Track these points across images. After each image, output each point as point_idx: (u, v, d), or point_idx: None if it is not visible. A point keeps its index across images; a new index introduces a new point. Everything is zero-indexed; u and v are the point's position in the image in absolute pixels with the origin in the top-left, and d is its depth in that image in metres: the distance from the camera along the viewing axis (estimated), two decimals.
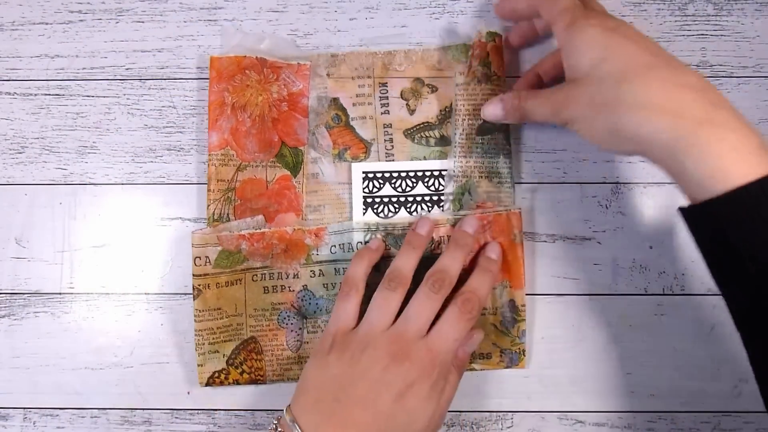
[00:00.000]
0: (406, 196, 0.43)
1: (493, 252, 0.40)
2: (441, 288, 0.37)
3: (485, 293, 0.38)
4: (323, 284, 0.42)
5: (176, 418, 0.42)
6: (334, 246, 0.42)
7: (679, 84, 0.31)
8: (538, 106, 0.37)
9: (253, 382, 0.42)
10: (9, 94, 0.45)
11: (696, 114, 0.30)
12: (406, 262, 0.38)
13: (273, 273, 0.41)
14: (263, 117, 0.42)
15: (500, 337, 0.41)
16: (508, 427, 0.42)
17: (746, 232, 0.29)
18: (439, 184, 0.43)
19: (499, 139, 0.42)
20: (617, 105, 0.32)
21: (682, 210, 0.32)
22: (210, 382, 0.41)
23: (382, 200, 0.43)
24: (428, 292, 0.37)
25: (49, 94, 0.45)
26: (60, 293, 0.43)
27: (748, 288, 0.29)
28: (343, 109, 0.43)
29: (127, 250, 0.44)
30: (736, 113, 0.30)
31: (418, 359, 0.35)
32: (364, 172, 0.43)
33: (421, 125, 0.43)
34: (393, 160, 0.43)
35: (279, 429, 0.34)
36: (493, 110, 0.40)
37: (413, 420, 0.34)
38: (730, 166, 0.29)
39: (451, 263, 0.38)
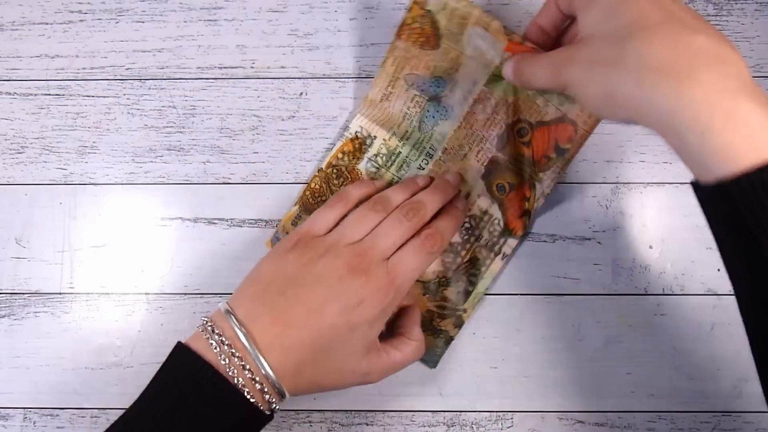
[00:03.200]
0: None
1: (460, 201, 0.41)
2: (414, 216, 0.36)
3: (449, 235, 0.38)
4: None
5: None
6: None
7: (689, 45, 0.27)
8: (538, 69, 0.33)
9: None
10: (9, 94, 0.45)
11: (702, 79, 0.26)
12: (398, 194, 0.38)
13: None
14: None
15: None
16: (508, 427, 0.42)
17: (764, 216, 0.25)
18: None
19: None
20: (615, 64, 0.28)
21: (693, 186, 0.28)
22: None
23: None
24: (401, 217, 0.36)
25: (49, 94, 0.45)
26: (60, 293, 0.43)
27: (759, 272, 0.27)
28: None
29: (127, 250, 0.44)
30: (750, 83, 0.26)
31: (375, 278, 0.34)
32: None
33: None
34: None
35: (209, 323, 0.33)
36: (504, 71, 0.37)
37: (354, 337, 0.34)
38: (741, 144, 0.25)
39: (428, 200, 0.38)
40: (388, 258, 0.35)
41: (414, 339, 0.38)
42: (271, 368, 0.32)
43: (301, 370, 0.33)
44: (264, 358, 0.32)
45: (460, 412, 0.42)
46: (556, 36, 0.38)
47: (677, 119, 0.26)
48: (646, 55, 0.27)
